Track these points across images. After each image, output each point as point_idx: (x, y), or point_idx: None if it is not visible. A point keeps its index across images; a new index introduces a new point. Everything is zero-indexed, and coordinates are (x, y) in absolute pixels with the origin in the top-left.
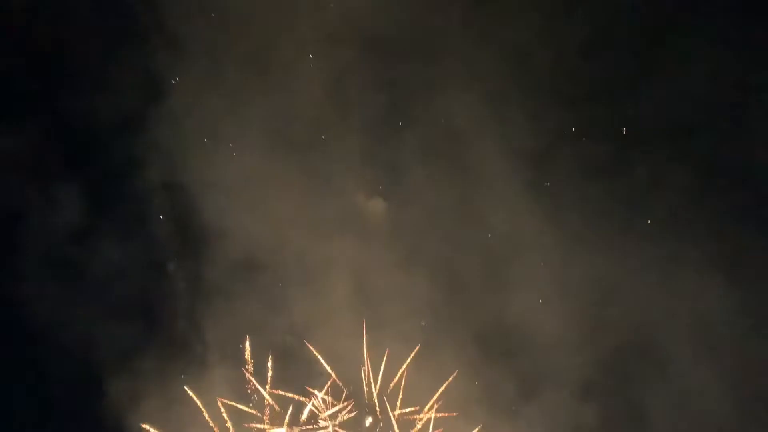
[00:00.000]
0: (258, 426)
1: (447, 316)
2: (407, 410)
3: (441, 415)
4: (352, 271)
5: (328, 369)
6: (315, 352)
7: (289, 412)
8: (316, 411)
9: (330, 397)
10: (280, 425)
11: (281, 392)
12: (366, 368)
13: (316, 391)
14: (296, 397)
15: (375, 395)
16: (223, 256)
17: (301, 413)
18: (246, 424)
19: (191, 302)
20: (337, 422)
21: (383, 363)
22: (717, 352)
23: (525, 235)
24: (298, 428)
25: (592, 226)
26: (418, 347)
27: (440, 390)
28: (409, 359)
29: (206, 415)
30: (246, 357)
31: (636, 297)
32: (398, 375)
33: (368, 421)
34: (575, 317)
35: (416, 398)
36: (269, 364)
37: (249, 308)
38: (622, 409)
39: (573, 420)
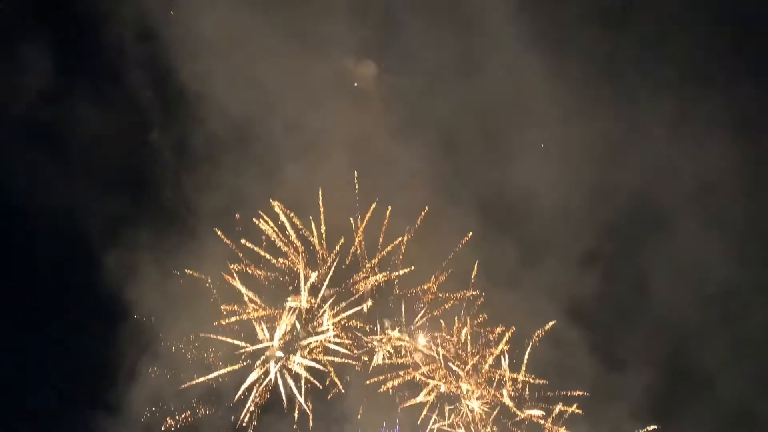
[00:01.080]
0: (254, 305)
1: (447, 186)
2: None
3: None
4: (346, 141)
5: (322, 246)
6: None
7: (291, 289)
8: (313, 290)
9: (328, 273)
10: (276, 304)
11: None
12: (360, 246)
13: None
14: (289, 282)
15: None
16: (209, 124)
17: (297, 293)
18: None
19: (178, 172)
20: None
21: (381, 237)
22: (721, 216)
23: (527, 97)
24: (296, 307)
25: (596, 83)
26: (419, 221)
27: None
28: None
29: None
30: (239, 233)
31: (640, 160)
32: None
33: (367, 304)
34: (578, 183)
35: (417, 274)
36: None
37: (240, 180)
38: (623, 276)
39: (574, 289)
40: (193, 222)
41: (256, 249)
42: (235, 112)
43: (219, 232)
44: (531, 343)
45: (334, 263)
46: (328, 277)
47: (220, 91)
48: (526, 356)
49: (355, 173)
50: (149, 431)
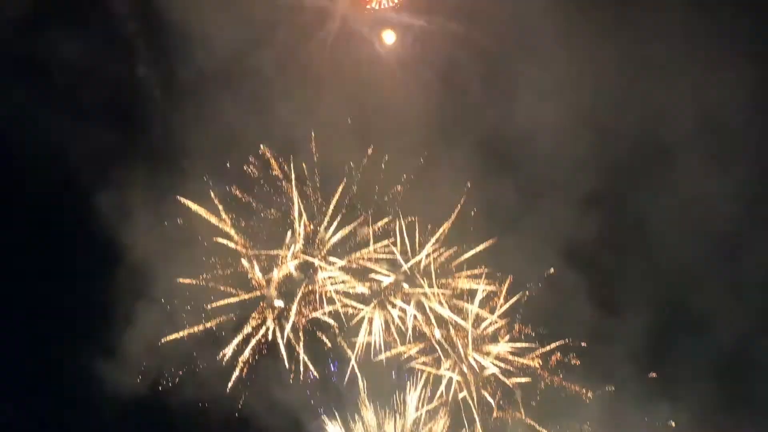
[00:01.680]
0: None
1: (448, 126)
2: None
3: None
4: (342, 76)
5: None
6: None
7: (289, 234)
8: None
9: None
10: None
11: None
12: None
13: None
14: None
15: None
16: (198, 57)
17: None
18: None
19: (167, 109)
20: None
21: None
22: (725, 155)
23: (529, 31)
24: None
25: (600, 15)
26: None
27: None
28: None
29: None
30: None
31: (644, 96)
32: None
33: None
34: (580, 120)
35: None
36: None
37: (231, 117)
38: (623, 218)
39: (574, 232)
40: (184, 164)
41: (248, 199)
42: (223, 46)
43: (210, 184)
44: (527, 292)
45: (331, 207)
46: (325, 221)
47: (208, 23)
48: (524, 302)
49: (348, 120)
50: (145, 381)
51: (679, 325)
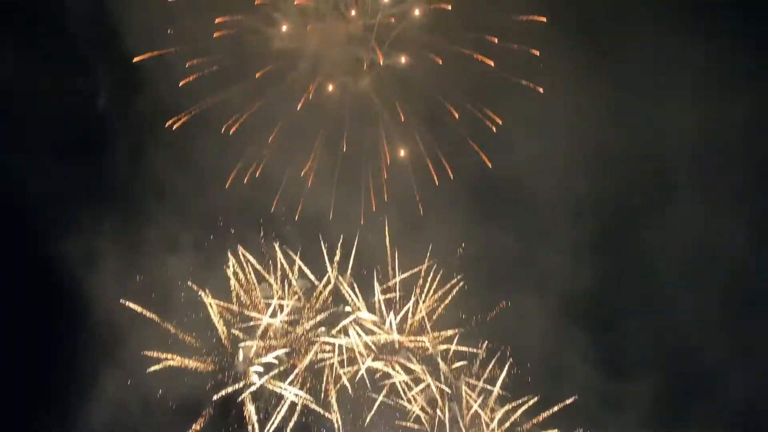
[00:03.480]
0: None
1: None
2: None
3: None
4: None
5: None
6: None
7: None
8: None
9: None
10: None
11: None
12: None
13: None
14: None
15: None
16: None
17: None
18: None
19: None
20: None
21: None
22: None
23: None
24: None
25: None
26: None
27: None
28: None
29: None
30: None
31: (643, 120)
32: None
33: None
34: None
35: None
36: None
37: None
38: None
39: (570, 284)
40: (155, 207)
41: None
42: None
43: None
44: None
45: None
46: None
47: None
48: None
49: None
50: None
51: (687, 380)
